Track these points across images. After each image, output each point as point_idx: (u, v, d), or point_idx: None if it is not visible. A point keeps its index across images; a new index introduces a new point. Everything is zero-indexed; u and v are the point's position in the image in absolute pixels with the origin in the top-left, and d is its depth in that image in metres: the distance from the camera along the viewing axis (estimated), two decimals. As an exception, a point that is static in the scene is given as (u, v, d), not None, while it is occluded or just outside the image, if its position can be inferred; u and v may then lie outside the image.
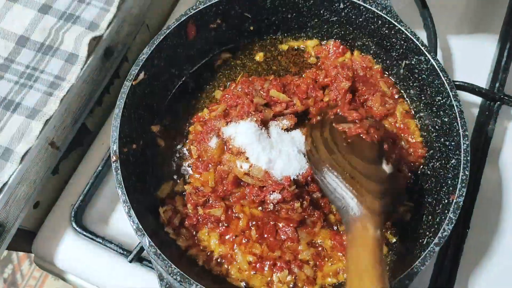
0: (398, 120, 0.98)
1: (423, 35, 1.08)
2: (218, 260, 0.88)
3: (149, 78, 0.93)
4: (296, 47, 1.09)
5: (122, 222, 0.99)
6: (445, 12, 1.21)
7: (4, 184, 0.86)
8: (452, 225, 0.77)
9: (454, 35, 1.22)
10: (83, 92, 1.00)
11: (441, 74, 0.88)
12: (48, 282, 2.14)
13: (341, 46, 1.05)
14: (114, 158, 0.82)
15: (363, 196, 0.72)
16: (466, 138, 0.83)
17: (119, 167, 0.81)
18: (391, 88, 1.02)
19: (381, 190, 0.73)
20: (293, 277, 0.85)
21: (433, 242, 0.76)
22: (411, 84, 0.98)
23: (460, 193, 0.79)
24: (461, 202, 0.78)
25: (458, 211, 0.77)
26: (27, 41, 0.97)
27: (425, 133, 0.96)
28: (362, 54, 1.05)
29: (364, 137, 0.81)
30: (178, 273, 0.75)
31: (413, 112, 1.00)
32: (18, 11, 0.99)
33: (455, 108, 0.85)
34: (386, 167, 0.77)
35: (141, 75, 0.90)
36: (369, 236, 0.67)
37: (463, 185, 0.79)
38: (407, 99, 1.01)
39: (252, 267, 0.86)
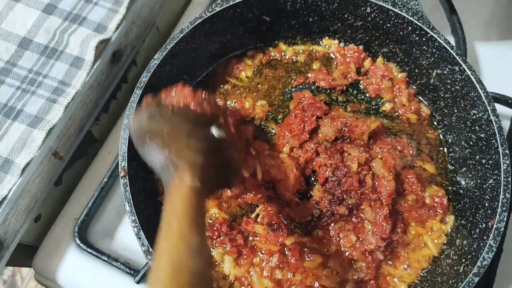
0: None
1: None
2: (233, 283, 0.81)
3: (161, 86, 0.86)
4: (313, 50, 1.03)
5: (129, 237, 0.94)
6: (471, 18, 1.14)
7: (4, 198, 0.80)
8: (493, 253, 0.70)
9: (482, 42, 1.15)
10: (89, 98, 0.94)
11: (477, 86, 0.81)
12: (48, 286, 2.09)
13: (363, 54, 0.98)
14: (122, 174, 0.76)
15: (183, 152, 0.69)
16: (506, 157, 0.76)
17: (128, 184, 0.75)
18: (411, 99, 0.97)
19: (204, 147, 0.71)
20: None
21: (472, 272, 0.69)
22: (442, 95, 0.91)
23: (501, 218, 0.72)
24: (502, 228, 0.72)
25: (499, 238, 0.71)
26: (30, 43, 0.90)
27: (457, 148, 0.89)
28: (386, 61, 0.99)
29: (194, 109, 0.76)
30: (192, 301, 0.69)
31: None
32: (21, 11, 0.92)
33: (493, 123, 0.79)
34: (216, 131, 0.74)
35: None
36: (186, 185, 0.64)
37: (504, 209, 0.73)
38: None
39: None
